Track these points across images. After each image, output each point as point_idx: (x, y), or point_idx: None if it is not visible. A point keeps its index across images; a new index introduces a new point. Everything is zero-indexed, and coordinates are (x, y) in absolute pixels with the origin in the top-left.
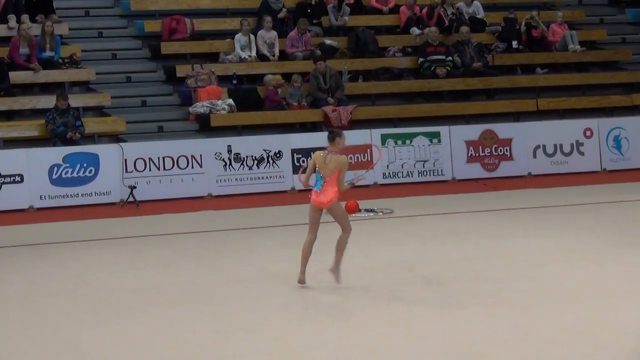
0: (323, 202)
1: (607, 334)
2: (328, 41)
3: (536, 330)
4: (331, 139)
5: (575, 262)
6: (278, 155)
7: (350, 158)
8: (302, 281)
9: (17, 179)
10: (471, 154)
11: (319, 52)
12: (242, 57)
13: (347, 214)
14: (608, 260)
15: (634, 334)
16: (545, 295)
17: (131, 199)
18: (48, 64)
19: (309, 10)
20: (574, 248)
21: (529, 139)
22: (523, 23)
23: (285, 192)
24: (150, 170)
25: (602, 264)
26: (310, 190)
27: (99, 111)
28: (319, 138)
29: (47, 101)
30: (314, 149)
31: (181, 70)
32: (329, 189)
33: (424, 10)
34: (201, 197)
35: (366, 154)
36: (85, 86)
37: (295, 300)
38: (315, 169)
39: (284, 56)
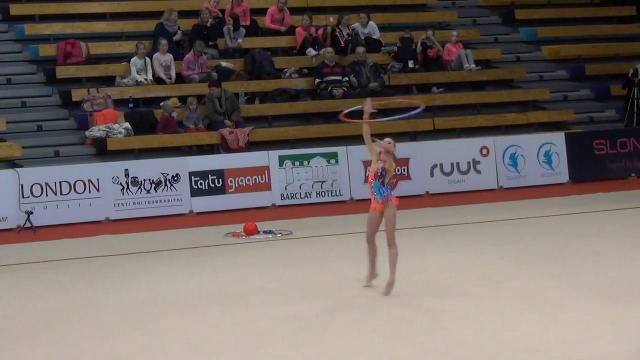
0: (390, 200)
1: (506, 350)
2: (224, 63)
3: (436, 347)
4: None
5: (473, 279)
6: (175, 178)
7: (248, 180)
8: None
9: None
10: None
11: (215, 74)
12: (138, 80)
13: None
14: (506, 277)
15: (533, 349)
16: (442, 313)
17: (28, 224)
18: None
19: (204, 33)
20: (471, 266)
21: (426, 158)
22: (419, 43)
23: (183, 215)
24: (47, 195)
25: (500, 282)
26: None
27: None
28: (217, 160)
29: None
30: (212, 172)
31: (77, 94)
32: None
33: (320, 31)
34: (99, 222)
35: (263, 176)
36: None
37: (193, 321)
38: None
39: (180, 79)
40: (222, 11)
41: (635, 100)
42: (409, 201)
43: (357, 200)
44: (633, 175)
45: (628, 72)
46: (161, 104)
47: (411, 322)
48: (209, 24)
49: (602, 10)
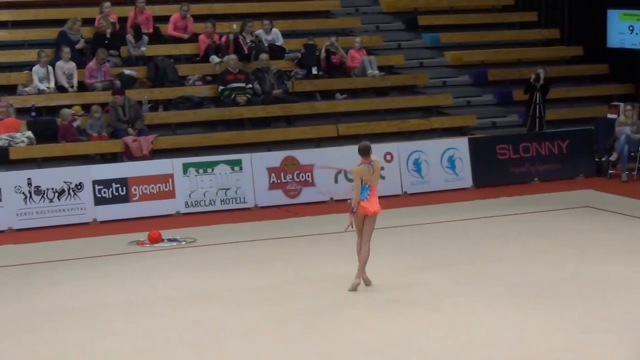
0: (374, 210)
1: (411, 354)
2: (127, 71)
3: (340, 353)
4: (366, 151)
5: (378, 285)
6: (79, 187)
7: (152, 188)
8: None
9: None
10: (273, 181)
11: (118, 82)
12: (41, 88)
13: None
14: (411, 283)
15: (437, 353)
16: (345, 320)
17: None
18: None
19: (106, 41)
20: (376, 272)
21: (331, 164)
22: (323, 50)
23: (87, 223)
24: None
25: (404, 287)
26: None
27: None
28: (120, 169)
29: None
30: (116, 180)
31: None
32: (374, 197)
33: (223, 39)
34: (1, 232)
35: (168, 184)
36: None
37: (95, 331)
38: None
39: (83, 87)
40: (125, 19)
41: (537, 105)
42: (314, 208)
43: (262, 207)
44: (536, 179)
45: (530, 77)
46: (60, 112)
47: (316, 329)
48: (110, 33)
49: (504, 16)
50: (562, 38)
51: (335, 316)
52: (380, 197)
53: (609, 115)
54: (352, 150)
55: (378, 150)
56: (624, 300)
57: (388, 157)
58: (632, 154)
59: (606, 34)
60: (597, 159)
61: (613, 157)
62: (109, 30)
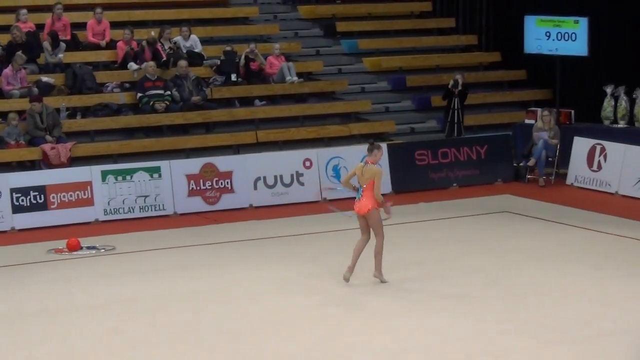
0: (362, 210)
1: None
2: (45, 78)
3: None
4: (370, 150)
5: (299, 291)
6: None
7: (71, 196)
8: (346, 278)
9: None
10: (192, 188)
11: (36, 89)
12: None
13: (382, 222)
14: (331, 289)
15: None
16: (265, 324)
17: None
18: None
19: (23, 48)
20: (296, 278)
21: (250, 171)
22: (242, 56)
23: (4, 232)
24: None
25: (324, 293)
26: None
27: None
28: (38, 176)
29: None
30: (34, 188)
31: None
32: (365, 197)
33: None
34: None
35: (86, 191)
36: None
37: (13, 340)
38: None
39: (0, 94)
40: (42, 25)
41: (456, 111)
42: (233, 214)
43: (181, 214)
44: (455, 185)
45: (448, 83)
46: None
47: (237, 336)
48: (25, 40)
49: (422, 22)
50: (480, 44)
51: (256, 321)
52: (298, 204)
53: (527, 121)
54: (271, 157)
55: (296, 156)
56: (542, 304)
57: (307, 164)
58: (550, 159)
59: (523, 40)
60: (515, 164)
61: (531, 163)
62: (22, 38)
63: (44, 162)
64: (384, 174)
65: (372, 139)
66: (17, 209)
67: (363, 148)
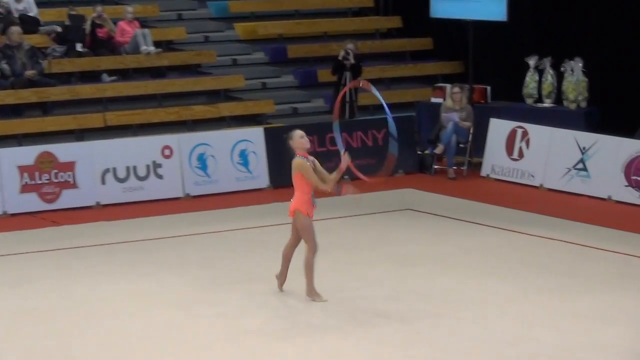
0: (290, 211)
1: None
2: None
3: None
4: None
5: (161, 306)
6: None
7: None
8: (279, 286)
9: None
10: (26, 182)
11: None
12: None
13: (312, 228)
14: (195, 303)
15: None
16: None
17: None
18: None
19: None
20: (157, 292)
21: (96, 162)
22: (89, 22)
23: None
24: None
25: (187, 307)
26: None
27: None
28: None
29: None
30: None
31: None
32: (294, 197)
33: None
34: None
35: None
36: None
37: None
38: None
39: None
40: None
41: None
42: (76, 214)
43: (12, 215)
44: (346, 177)
45: (338, 54)
46: None
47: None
48: None
49: None
50: (376, 7)
51: (109, 345)
52: (156, 201)
53: (433, 99)
54: (123, 144)
55: (153, 143)
56: (454, 323)
57: (166, 152)
58: (461, 145)
59: (429, 3)
60: (419, 152)
61: (438, 150)
62: None
63: None
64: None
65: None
66: None
67: (234, 133)
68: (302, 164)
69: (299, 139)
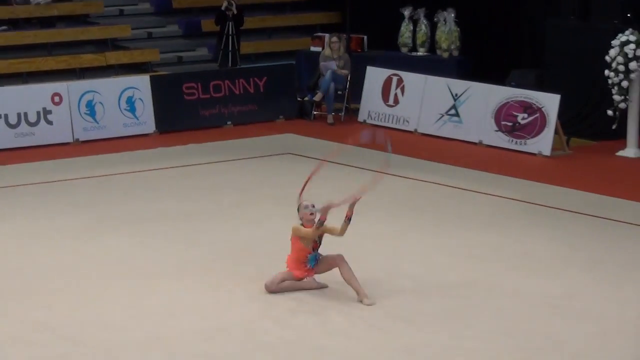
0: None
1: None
2: None
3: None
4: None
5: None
6: None
7: None
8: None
9: None
10: None
11: None
12: None
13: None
14: (82, 248)
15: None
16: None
17: None
18: None
19: None
20: (50, 233)
21: None
22: None
23: None
24: None
25: (73, 253)
26: None
27: None
28: None
29: None
30: None
31: None
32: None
33: None
34: None
35: None
36: None
37: None
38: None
39: None
40: None
41: (230, 37)
42: None
43: None
44: (229, 123)
45: (221, 5)
46: None
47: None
48: None
49: None
50: None
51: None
52: (46, 146)
53: (312, 48)
54: (14, 91)
55: (43, 91)
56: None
57: (56, 99)
58: (339, 92)
59: None
60: (299, 99)
61: (317, 97)
62: None
63: None
64: None
65: None
66: None
67: (121, 80)
68: (294, 228)
69: (303, 211)
